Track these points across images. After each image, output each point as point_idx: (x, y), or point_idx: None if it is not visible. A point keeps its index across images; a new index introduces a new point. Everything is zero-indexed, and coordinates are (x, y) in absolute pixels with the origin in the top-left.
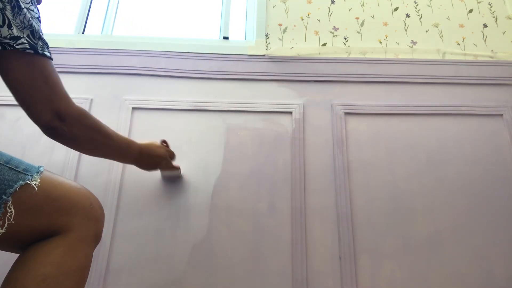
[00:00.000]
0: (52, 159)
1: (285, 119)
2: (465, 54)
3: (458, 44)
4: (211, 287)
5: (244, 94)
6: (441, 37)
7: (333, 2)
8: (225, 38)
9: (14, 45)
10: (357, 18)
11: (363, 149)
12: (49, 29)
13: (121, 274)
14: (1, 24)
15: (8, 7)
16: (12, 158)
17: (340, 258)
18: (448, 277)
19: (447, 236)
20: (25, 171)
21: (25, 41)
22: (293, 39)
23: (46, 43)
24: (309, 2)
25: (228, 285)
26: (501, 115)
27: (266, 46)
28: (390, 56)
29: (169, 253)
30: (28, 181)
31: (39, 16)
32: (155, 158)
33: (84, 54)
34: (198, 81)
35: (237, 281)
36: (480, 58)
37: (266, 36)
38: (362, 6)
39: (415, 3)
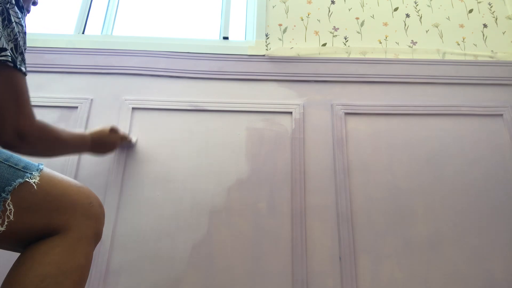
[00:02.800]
0: (51, 160)
1: (285, 119)
2: (465, 54)
3: (458, 44)
4: (211, 287)
5: (244, 94)
6: (441, 37)
7: (333, 2)
8: (225, 38)
9: None
10: (357, 18)
11: (363, 149)
12: (49, 29)
13: (121, 274)
14: None
15: None
16: (11, 156)
17: (340, 258)
18: (448, 277)
19: (447, 236)
20: (24, 168)
21: (9, 54)
22: (293, 39)
23: (24, 60)
24: (309, 2)
25: (228, 285)
26: (501, 115)
27: (266, 46)
28: (390, 56)
29: (169, 253)
30: (27, 179)
31: (25, 32)
32: (107, 147)
33: (84, 54)
34: (198, 81)
35: (237, 281)
36: (480, 58)
37: (266, 36)
38: (362, 6)
39: (415, 3)
